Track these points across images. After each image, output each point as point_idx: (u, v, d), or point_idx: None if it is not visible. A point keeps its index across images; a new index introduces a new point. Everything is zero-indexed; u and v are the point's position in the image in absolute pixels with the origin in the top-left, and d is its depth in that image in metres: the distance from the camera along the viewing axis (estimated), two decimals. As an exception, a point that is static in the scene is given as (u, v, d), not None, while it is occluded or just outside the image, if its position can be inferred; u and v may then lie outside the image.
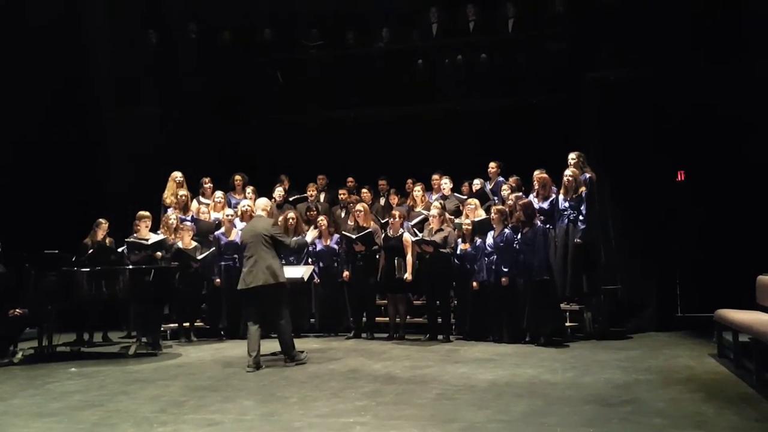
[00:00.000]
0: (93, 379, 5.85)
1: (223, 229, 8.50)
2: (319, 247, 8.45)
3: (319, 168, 9.93)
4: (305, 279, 7.52)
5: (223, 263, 8.38)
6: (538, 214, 7.58)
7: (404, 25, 10.78)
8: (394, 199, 9.20)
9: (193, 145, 10.38)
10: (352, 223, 8.33)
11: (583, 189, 7.62)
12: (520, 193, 8.04)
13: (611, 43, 9.05)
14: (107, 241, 8.26)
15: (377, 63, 10.69)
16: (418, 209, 8.70)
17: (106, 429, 4.18)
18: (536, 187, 8.01)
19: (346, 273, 8.21)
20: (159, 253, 7.78)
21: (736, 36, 8.30)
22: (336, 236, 8.52)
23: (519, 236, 7.26)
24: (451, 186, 8.91)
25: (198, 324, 8.48)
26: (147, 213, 7.93)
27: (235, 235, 8.45)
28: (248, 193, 9.19)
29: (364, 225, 8.08)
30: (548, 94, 9.59)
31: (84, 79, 10.41)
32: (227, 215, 8.53)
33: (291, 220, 8.12)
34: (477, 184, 8.85)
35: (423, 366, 6.05)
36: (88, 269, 7.00)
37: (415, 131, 10.19)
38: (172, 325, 8.46)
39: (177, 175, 9.05)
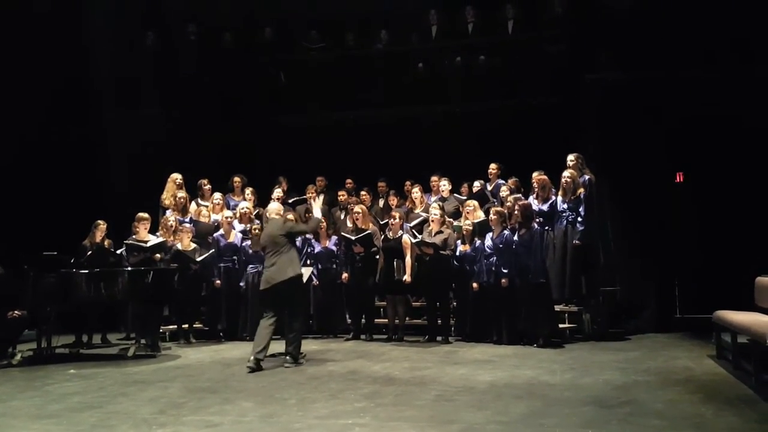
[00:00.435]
0: (92, 380, 5.84)
1: (221, 231, 8.50)
2: (317, 248, 8.46)
3: (318, 169, 9.93)
4: (304, 280, 7.51)
5: (222, 265, 8.38)
6: (537, 216, 7.59)
7: (404, 27, 10.80)
8: (393, 201, 9.19)
9: (193, 147, 10.38)
10: (351, 225, 8.33)
11: (581, 190, 7.64)
12: (519, 195, 8.04)
13: (610, 45, 9.07)
14: (106, 242, 8.26)
15: (377, 64, 10.71)
16: (417, 211, 8.70)
17: (105, 430, 4.17)
18: (535, 188, 8.02)
19: (344, 275, 8.21)
20: (158, 255, 7.78)
21: (735, 38, 8.31)
22: (335, 238, 8.52)
23: (516, 238, 7.26)
24: (450, 187, 8.91)
25: (197, 326, 8.48)
26: (146, 215, 7.93)
27: (234, 237, 8.47)
28: (247, 195, 9.20)
29: (363, 227, 8.08)
30: (547, 95, 9.60)
31: (84, 80, 10.42)
32: (226, 217, 8.54)
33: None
34: (477, 185, 8.86)
35: (422, 367, 6.05)
36: (87, 271, 6.99)
37: (414, 133, 10.20)
38: (171, 326, 8.45)
39: (176, 176, 9.05)
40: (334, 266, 8.46)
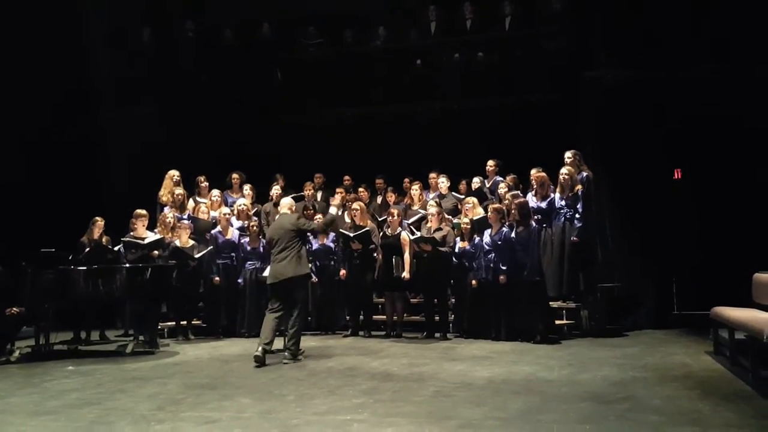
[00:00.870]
0: (90, 377, 5.84)
1: (219, 228, 8.50)
2: (315, 245, 8.46)
3: (316, 166, 9.93)
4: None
5: (220, 262, 8.38)
6: (535, 214, 7.59)
7: (402, 24, 10.79)
8: (392, 198, 9.19)
9: (191, 144, 10.37)
10: (349, 222, 8.33)
11: (579, 187, 7.64)
12: (517, 192, 8.04)
13: (609, 42, 9.06)
14: (104, 239, 8.26)
15: (375, 61, 10.70)
16: (415, 208, 8.70)
17: (104, 427, 4.17)
18: (534, 186, 8.02)
19: (343, 271, 8.22)
20: (156, 252, 7.78)
21: (735, 36, 8.31)
22: (333, 234, 8.52)
23: (513, 235, 7.27)
24: (448, 184, 8.91)
25: (195, 322, 8.48)
26: (144, 211, 7.94)
27: (232, 234, 8.46)
28: (245, 191, 9.19)
29: (361, 223, 8.08)
30: (546, 92, 9.60)
31: (82, 77, 10.41)
32: (224, 214, 8.53)
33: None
34: (476, 182, 8.85)
35: (420, 363, 6.06)
36: (85, 268, 6.99)
37: (413, 129, 10.21)
38: (169, 323, 8.46)
39: (173, 173, 9.05)
40: (333, 263, 8.47)
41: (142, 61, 10.89)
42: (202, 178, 9.29)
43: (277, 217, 6.97)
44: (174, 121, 10.56)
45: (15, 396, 5.15)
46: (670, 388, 4.86)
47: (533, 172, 8.09)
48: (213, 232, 8.49)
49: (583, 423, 3.98)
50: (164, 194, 8.96)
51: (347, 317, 8.39)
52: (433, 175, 9.08)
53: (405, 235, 7.82)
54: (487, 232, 7.53)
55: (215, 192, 9.03)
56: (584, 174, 7.83)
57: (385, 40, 10.71)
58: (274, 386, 5.22)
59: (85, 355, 7.18)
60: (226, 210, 8.64)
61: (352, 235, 7.96)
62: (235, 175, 9.45)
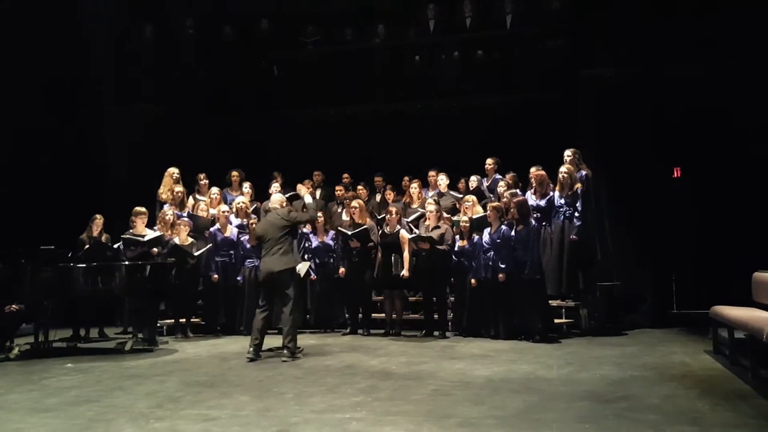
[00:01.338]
0: (89, 374, 5.84)
1: (218, 225, 8.49)
2: (315, 243, 8.45)
3: (316, 164, 9.92)
4: (302, 275, 7.52)
5: (219, 259, 8.37)
6: (534, 212, 7.59)
7: (401, 22, 10.77)
8: (391, 196, 9.19)
9: (190, 141, 10.37)
10: (348, 220, 8.33)
11: (578, 186, 7.64)
12: (515, 190, 8.04)
13: (608, 41, 9.05)
14: (103, 237, 8.25)
15: (374, 59, 10.68)
16: (414, 206, 8.70)
17: (102, 424, 4.17)
18: (533, 184, 8.01)
19: (342, 269, 8.21)
20: (155, 249, 7.78)
21: (735, 34, 8.30)
22: (332, 232, 8.52)
23: (513, 233, 7.26)
24: (448, 182, 8.91)
25: (194, 320, 8.48)
26: (143, 209, 7.94)
27: (231, 232, 8.46)
28: (245, 189, 9.18)
29: (360, 221, 8.08)
30: (545, 90, 9.60)
31: (82, 73, 10.39)
32: (223, 211, 8.53)
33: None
34: (473, 181, 8.85)
35: (419, 362, 6.06)
36: (84, 265, 6.99)
37: (412, 127, 10.20)
38: (168, 321, 8.45)
39: (173, 171, 9.03)
40: (332, 261, 8.46)
41: (143, 58, 10.87)
42: (202, 176, 9.29)
43: (267, 213, 6.99)
44: (173, 118, 10.55)
45: (14, 393, 5.15)
46: (669, 388, 4.86)
47: (532, 170, 8.08)
48: (212, 229, 8.48)
49: (582, 422, 3.98)
50: (164, 192, 8.95)
51: (346, 315, 8.38)
52: (432, 173, 9.08)
53: (404, 233, 7.82)
54: (487, 231, 7.52)
55: (214, 189, 9.02)
56: (583, 172, 7.82)
57: (384, 37, 10.69)
58: (272, 384, 5.22)
59: (84, 352, 7.18)
60: (225, 208, 8.63)
61: (350, 233, 7.95)
62: (234, 173, 9.44)
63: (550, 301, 7.56)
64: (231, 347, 7.26)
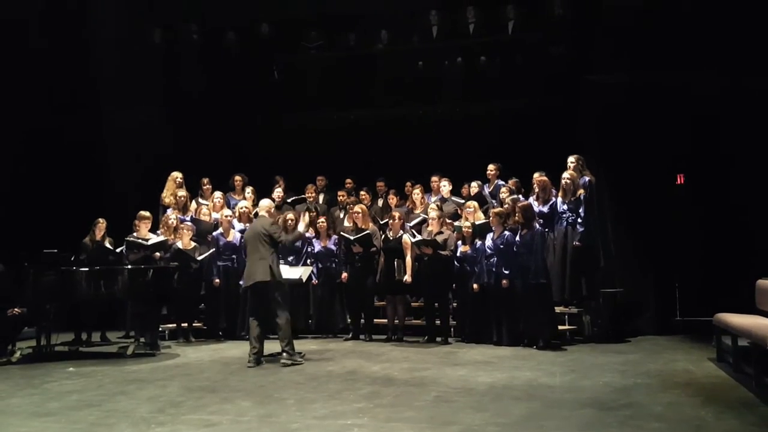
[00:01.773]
0: (91, 378, 5.84)
1: (221, 230, 8.49)
2: (317, 248, 8.45)
3: (318, 169, 9.93)
4: (303, 280, 7.53)
5: (221, 264, 8.37)
6: (537, 218, 7.57)
7: (404, 27, 10.78)
8: (393, 200, 9.18)
9: (194, 146, 10.38)
10: (351, 225, 8.33)
11: (581, 192, 7.63)
12: (517, 196, 8.03)
13: (611, 47, 9.05)
14: (106, 240, 8.26)
15: (377, 64, 10.70)
16: (417, 211, 8.69)
17: (104, 429, 4.17)
18: (536, 190, 8.01)
19: (344, 274, 8.20)
20: (158, 254, 7.78)
21: (737, 40, 8.30)
22: (334, 237, 8.52)
23: (517, 238, 7.25)
24: (450, 188, 8.91)
25: (196, 324, 8.47)
26: (147, 213, 7.95)
27: (233, 236, 8.45)
28: (248, 194, 9.19)
29: (363, 226, 8.08)
30: (548, 96, 9.58)
31: (86, 78, 10.41)
32: (226, 215, 8.53)
33: (290, 221, 8.09)
34: (475, 186, 8.84)
35: (421, 368, 6.04)
36: (86, 269, 6.99)
37: (415, 133, 10.20)
38: (170, 325, 8.45)
39: (176, 175, 9.05)
40: (334, 265, 8.45)
41: (146, 61, 10.89)
42: (205, 180, 9.32)
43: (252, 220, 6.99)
44: (177, 123, 10.57)
45: (15, 397, 5.15)
46: (672, 395, 4.84)
47: (536, 175, 8.08)
48: (214, 234, 8.49)
49: (585, 429, 3.97)
50: (167, 196, 8.97)
51: (348, 320, 8.37)
52: (434, 178, 9.08)
53: (406, 239, 7.81)
54: (489, 236, 7.51)
55: (217, 194, 9.04)
56: (586, 178, 7.82)
57: (387, 43, 10.70)
58: (274, 390, 5.21)
59: (86, 356, 7.18)
60: (228, 212, 8.63)
61: (353, 238, 7.95)
62: (237, 177, 9.46)
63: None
64: (233, 352, 7.25)
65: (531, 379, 5.48)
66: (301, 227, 7.03)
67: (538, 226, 7.34)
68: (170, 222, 8.32)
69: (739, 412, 4.34)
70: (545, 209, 7.79)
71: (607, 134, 8.79)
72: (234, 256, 8.42)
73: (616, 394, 4.90)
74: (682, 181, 8.67)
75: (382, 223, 8.45)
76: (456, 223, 8.02)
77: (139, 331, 7.65)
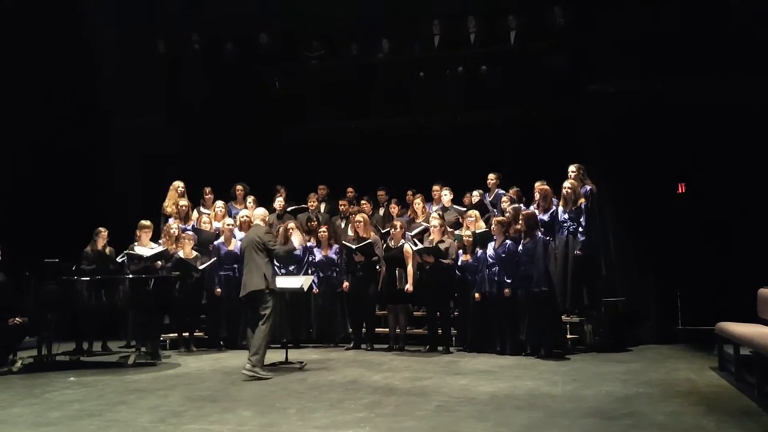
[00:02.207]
0: (92, 388, 5.83)
1: (222, 239, 8.50)
2: (318, 257, 8.45)
3: (320, 178, 9.95)
4: (305, 289, 7.51)
5: (222, 273, 8.37)
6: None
7: (406, 37, 10.82)
8: (395, 209, 9.19)
9: (196, 155, 10.41)
10: (352, 234, 8.33)
11: (582, 201, 7.63)
12: (518, 205, 8.03)
13: (612, 56, 9.08)
14: (107, 250, 8.27)
15: (378, 74, 10.73)
16: (418, 220, 8.70)
17: (105, 439, 4.17)
18: (537, 198, 8.02)
19: (345, 283, 8.20)
20: (159, 262, 7.78)
21: (738, 48, 8.32)
22: (336, 246, 8.52)
23: (520, 247, 7.25)
24: (451, 197, 8.92)
25: (197, 334, 8.47)
26: (149, 222, 7.98)
27: (235, 245, 8.46)
28: (249, 203, 9.21)
29: (364, 235, 8.08)
30: (549, 106, 9.61)
31: (88, 87, 10.45)
32: (227, 225, 8.54)
33: (291, 231, 8.12)
34: (476, 195, 8.85)
35: (423, 377, 6.04)
36: (88, 278, 7.00)
37: (416, 142, 10.22)
38: (171, 334, 8.44)
39: (178, 184, 9.08)
40: (335, 274, 8.46)
41: (148, 71, 10.93)
42: (207, 190, 9.35)
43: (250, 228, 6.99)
44: (178, 131, 10.60)
45: (17, 406, 5.14)
46: (674, 404, 4.83)
47: (537, 184, 8.10)
48: (216, 243, 8.49)
49: (587, 439, 3.96)
50: (169, 205, 8.99)
51: (349, 329, 8.36)
52: (435, 187, 9.09)
53: (408, 247, 7.81)
54: (491, 245, 7.51)
55: (219, 203, 9.06)
56: (588, 188, 7.82)
57: (388, 52, 10.74)
58: (275, 399, 5.21)
59: (87, 366, 7.16)
60: (229, 221, 8.65)
61: (354, 247, 7.95)
62: (239, 187, 9.48)
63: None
64: (234, 361, 7.24)
65: (533, 388, 5.47)
66: (295, 242, 7.07)
67: (540, 234, 7.35)
68: (172, 231, 8.34)
69: (741, 421, 4.33)
70: (546, 218, 7.80)
71: (608, 143, 8.81)
72: (235, 266, 8.40)
73: (618, 403, 4.89)
74: (684, 190, 8.67)
75: (383, 232, 8.45)
76: (457, 232, 8.02)
77: (141, 340, 7.66)
